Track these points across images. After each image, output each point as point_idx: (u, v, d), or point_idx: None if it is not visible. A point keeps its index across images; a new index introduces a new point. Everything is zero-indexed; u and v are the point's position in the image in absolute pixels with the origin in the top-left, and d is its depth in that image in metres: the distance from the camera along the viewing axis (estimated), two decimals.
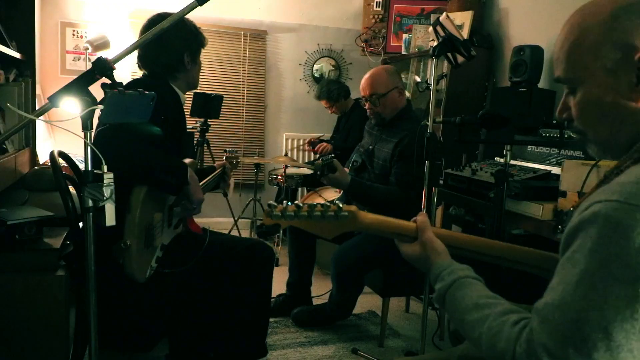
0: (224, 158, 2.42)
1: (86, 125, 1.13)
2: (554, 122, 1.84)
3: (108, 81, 1.14)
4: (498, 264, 1.10)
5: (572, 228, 0.77)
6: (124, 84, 1.35)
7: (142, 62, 1.90)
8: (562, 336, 0.72)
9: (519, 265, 1.09)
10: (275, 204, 1.05)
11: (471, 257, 1.10)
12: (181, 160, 1.79)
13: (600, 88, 0.81)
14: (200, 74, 2.02)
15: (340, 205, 1.06)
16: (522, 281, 1.50)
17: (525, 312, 0.83)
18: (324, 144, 4.03)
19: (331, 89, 3.99)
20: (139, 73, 1.99)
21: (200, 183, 2.00)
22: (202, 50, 1.98)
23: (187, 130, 3.64)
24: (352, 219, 1.06)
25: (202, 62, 2.04)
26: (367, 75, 2.52)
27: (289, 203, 1.06)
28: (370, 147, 2.58)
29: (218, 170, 2.21)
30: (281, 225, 1.06)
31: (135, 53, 1.90)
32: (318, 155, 3.97)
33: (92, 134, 1.16)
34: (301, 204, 1.05)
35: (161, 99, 1.38)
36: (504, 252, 1.09)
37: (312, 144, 4.15)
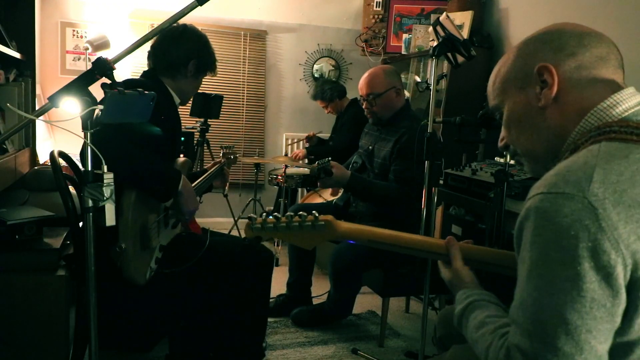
0: (221, 154, 2.42)
1: (86, 125, 1.13)
2: None
3: (108, 81, 1.14)
4: None
5: (516, 229, 0.83)
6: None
7: (152, 51, 1.91)
8: (528, 333, 0.76)
9: None
10: (255, 216, 1.08)
11: (502, 272, 1.14)
12: (175, 169, 1.78)
13: (516, 104, 0.95)
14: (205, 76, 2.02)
15: (317, 215, 1.09)
16: None
17: None
18: (297, 151, 4.05)
19: (324, 89, 4.00)
20: (139, 73, 2.00)
21: (194, 184, 1.99)
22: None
23: (187, 130, 3.66)
24: (329, 228, 1.10)
25: None
26: (364, 75, 2.53)
27: (269, 215, 1.08)
28: (370, 147, 2.58)
29: (214, 169, 2.19)
30: (262, 238, 1.09)
31: (135, 53, 1.90)
32: (313, 159, 3.97)
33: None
34: (279, 216, 1.08)
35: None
36: None
37: (310, 139, 4.16)
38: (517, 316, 0.78)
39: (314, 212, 1.10)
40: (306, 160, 4.12)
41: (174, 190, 1.67)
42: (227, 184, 4.25)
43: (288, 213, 1.09)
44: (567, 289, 0.72)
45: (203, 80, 2.03)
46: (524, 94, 0.93)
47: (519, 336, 0.77)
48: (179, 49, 1.87)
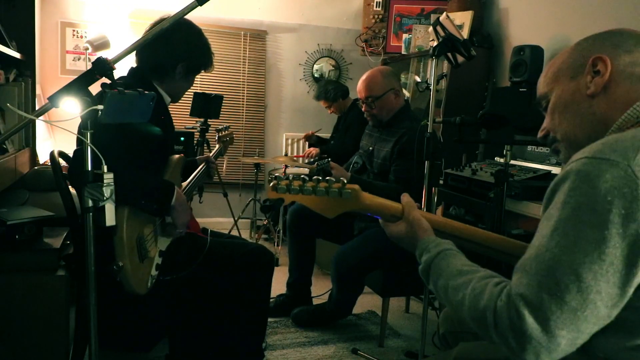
0: (216, 138, 2.42)
1: (86, 125, 1.13)
2: None
3: (108, 81, 1.13)
4: (483, 254, 1.11)
5: (549, 190, 0.84)
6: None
7: (138, 50, 1.78)
8: (537, 284, 0.77)
9: (505, 257, 1.09)
10: (282, 176, 1.06)
11: (456, 244, 1.11)
12: (168, 182, 1.70)
13: (565, 92, 0.97)
14: (201, 73, 1.98)
15: (345, 182, 1.07)
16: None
17: (507, 279, 0.86)
18: (310, 149, 4.05)
19: (328, 89, 4.01)
20: None
21: (184, 183, 1.97)
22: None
23: (187, 130, 3.66)
24: (355, 197, 1.08)
25: None
26: (363, 78, 2.53)
27: (295, 177, 1.07)
28: (370, 148, 2.58)
29: (200, 168, 2.14)
30: (285, 200, 1.06)
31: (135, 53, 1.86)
32: (313, 160, 3.97)
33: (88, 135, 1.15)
34: (306, 178, 1.07)
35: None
36: (491, 242, 1.10)
37: (309, 138, 4.16)
38: (529, 267, 0.79)
39: (341, 178, 1.09)
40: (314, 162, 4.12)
41: (167, 206, 1.62)
42: (224, 167, 4.24)
43: (315, 177, 1.08)
44: (589, 250, 0.74)
45: (203, 80, 1.99)
46: (574, 82, 0.96)
47: (525, 286, 0.78)
48: (166, 52, 1.75)
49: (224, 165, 4.31)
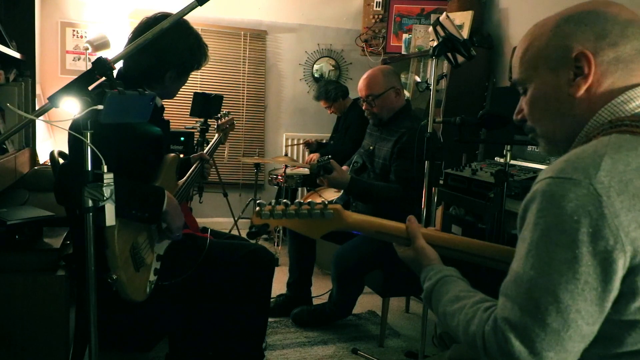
0: (216, 126, 2.37)
1: (86, 125, 1.12)
2: None
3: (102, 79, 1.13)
4: (489, 266, 1.13)
5: (521, 209, 0.85)
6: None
7: (126, 58, 1.68)
8: (519, 307, 0.78)
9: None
10: (265, 202, 1.08)
11: (461, 258, 1.14)
12: (157, 188, 1.64)
13: (545, 85, 0.92)
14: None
15: (326, 203, 1.10)
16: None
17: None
18: (311, 155, 4.04)
19: (329, 89, 4.01)
20: None
21: (180, 182, 1.95)
22: None
23: (187, 130, 3.66)
24: (337, 217, 1.10)
25: None
26: (364, 76, 2.54)
27: (278, 202, 1.08)
28: (371, 147, 2.59)
29: (195, 167, 2.07)
30: (270, 225, 1.08)
31: None
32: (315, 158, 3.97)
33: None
34: (289, 203, 1.09)
35: None
36: (494, 254, 1.12)
37: (309, 145, 4.16)
38: (510, 291, 0.80)
39: (323, 200, 1.11)
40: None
41: (158, 213, 1.58)
42: (226, 153, 4.20)
43: (297, 200, 1.10)
44: (563, 271, 0.75)
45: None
46: (554, 75, 0.90)
47: (509, 310, 0.79)
48: (153, 61, 1.67)
49: (225, 154, 4.28)
